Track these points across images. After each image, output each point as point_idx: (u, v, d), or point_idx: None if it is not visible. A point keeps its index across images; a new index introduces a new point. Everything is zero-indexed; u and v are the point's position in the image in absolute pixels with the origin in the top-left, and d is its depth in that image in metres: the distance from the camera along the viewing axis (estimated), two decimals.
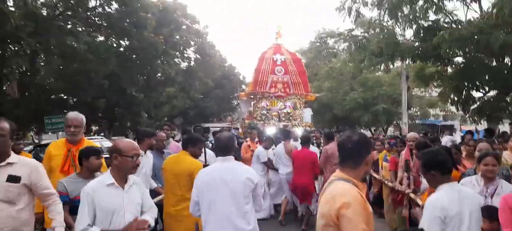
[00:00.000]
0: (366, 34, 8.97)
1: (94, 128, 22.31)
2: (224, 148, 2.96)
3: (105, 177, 2.58)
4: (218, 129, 12.47)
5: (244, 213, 2.82)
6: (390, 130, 24.17)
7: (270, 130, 10.58)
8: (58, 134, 17.32)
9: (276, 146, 6.85)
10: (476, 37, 6.84)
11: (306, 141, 6.34)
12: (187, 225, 3.54)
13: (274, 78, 15.41)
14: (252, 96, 16.00)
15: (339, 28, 16.21)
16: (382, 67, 10.68)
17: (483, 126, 11.63)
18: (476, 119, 8.77)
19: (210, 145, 8.12)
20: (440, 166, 2.53)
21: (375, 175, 6.45)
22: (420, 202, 3.85)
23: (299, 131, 10.13)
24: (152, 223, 2.64)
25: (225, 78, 34.89)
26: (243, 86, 31.64)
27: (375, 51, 8.22)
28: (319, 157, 6.43)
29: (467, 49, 7.62)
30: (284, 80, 15.47)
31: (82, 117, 3.63)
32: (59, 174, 3.34)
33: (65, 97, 17.40)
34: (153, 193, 4.39)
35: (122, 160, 2.51)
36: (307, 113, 15.66)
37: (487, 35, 6.42)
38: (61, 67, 13.60)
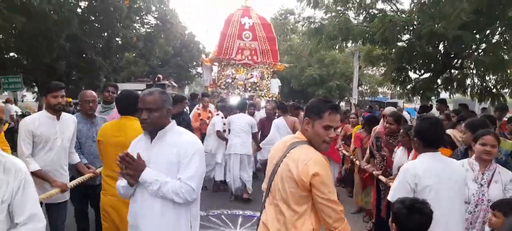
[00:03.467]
0: (323, 16, 9.91)
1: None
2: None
3: None
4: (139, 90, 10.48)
5: None
6: (342, 105, 26.02)
7: (235, 99, 10.40)
8: (16, 94, 16.96)
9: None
10: (413, 26, 8.04)
11: None
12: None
13: (241, 44, 14.17)
14: (216, 63, 14.77)
15: (298, 7, 16.16)
16: (337, 46, 11.70)
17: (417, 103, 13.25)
18: (410, 96, 10.25)
19: None
20: (424, 136, 2.44)
21: (344, 151, 6.25)
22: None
23: (263, 102, 10.12)
24: None
25: (185, 47, 34.67)
26: (203, 56, 31.57)
27: (330, 35, 9.22)
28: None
29: (407, 36, 8.90)
30: (252, 46, 14.24)
31: None
32: None
33: (17, 56, 16.81)
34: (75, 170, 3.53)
35: None
36: (275, 84, 14.55)
37: (420, 26, 7.64)
38: (14, 26, 13.24)
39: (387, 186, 3.64)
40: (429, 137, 2.44)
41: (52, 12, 10.93)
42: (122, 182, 2.26)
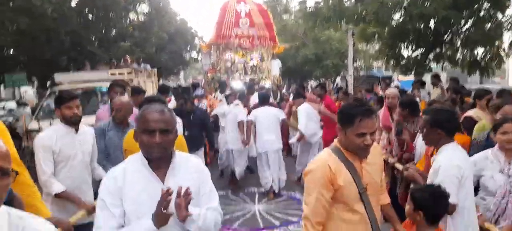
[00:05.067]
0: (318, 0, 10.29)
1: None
2: None
3: None
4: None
5: None
6: (338, 80, 26.53)
7: (236, 84, 10.46)
8: (17, 89, 17.34)
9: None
10: (404, 8, 8.55)
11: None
12: None
13: (238, 32, 13.87)
14: (214, 48, 14.58)
15: None
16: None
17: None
18: (403, 71, 10.98)
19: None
20: (445, 126, 2.36)
21: None
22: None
23: (267, 84, 10.43)
24: None
25: (177, 33, 34.70)
26: (197, 40, 31.67)
27: (325, 17, 9.68)
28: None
29: (398, 15, 9.43)
30: (250, 33, 13.91)
31: None
32: None
33: (16, 53, 17.04)
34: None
35: None
36: (276, 65, 14.28)
37: (411, 6, 8.18)
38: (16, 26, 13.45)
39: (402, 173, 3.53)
40: (450, 127, 2.40)
41: (51, 11, 11.21)
42: (135, 226, 1.69)
